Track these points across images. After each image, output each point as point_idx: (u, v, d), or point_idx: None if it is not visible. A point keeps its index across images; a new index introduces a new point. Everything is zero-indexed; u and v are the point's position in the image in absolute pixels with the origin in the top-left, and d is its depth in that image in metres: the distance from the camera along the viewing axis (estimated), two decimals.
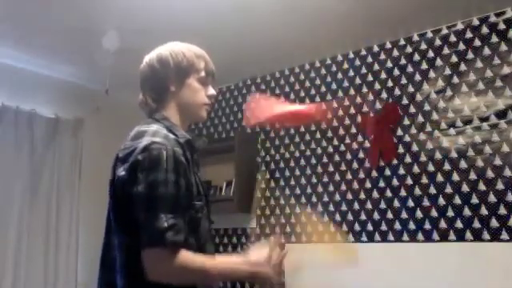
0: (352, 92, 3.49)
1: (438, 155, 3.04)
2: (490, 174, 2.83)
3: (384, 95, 3.33)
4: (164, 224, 1.22)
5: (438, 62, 3.14)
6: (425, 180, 3.06)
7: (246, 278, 1.42)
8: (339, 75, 3.59)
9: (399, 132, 3.22)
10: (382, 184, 3.23)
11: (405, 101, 3.24)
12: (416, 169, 3.11)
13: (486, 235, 2.78)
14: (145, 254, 1.23)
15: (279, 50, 3.53)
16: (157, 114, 1.46)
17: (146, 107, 1.50)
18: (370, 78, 3.43)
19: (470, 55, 3.02)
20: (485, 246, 2.77)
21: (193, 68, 1.48)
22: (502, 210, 2.76)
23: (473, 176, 2.89)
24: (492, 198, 2.80)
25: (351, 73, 3.53)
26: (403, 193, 3.13)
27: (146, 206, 1.25)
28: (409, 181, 3.12)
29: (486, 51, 2.96)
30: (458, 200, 2.92)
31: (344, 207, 3.37)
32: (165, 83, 1.46)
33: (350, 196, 3.36)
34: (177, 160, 1.30)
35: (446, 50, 3.12)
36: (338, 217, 3.39)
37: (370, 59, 3.46)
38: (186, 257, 1.25)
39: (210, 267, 1.30)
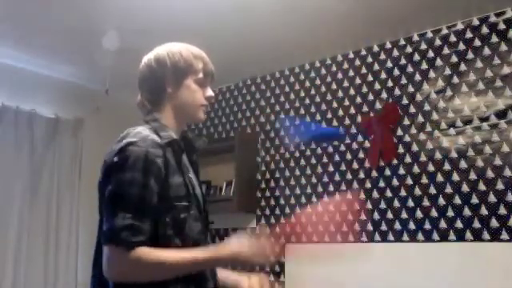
0: (352, 92, 3.49)
1: (438, 155, 3.04)
2: (489, 173, 2.83)
3: (384, 95, 3.33)
4: (121, 223, 1.23)
5: (438, 61, 3.14)
6: (425, 180, 3.06)
7: (223, 262, 1.36)
8: (339, 75, 3.59)
9: (399, 132, 3.21)
10: (382, 184, 3.23)
11: (405, 101, 3.23)
12: (416, 169, 3.11)
13: (486, 235, 2.78)
14: (105, 255, 1.25)
15: (279, 50, 3.53)
16: (148, 116, 1.46)
17: (143, 108, 1.50)
18: (370, 78, 3.43)
19: (470, 55, 3.02)
20: (485, 246, 2.77)
21: (190, 69, 1.47)
22: (502, 210, 2.76)
23: (473, 176, 2.89)
24: (492, 198, 2.80)
25: (351, 73, 3.53)
26: (403, 193, 3.13)
27: (109, 203, 1.27)
28: (409, 181, 3.12)
29: (486, 51, 2.96)
30: (457, 200, 2.92)
31: (344, 207, 3.37)
32: (162, 84, 1.46)
33: (349, 196, 3.36)
34: (148, 160, 1.29)
35: (446, 50, 3.12)
36: (338, 217, 3.38)
37: (369, 59, 3.46)
38: (141, 253, 1.23)
39: (169, 259, 1.26)
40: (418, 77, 3.21)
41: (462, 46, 3.06)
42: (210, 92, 1.52)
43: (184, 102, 1.47)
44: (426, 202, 3.03)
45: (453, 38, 3.10)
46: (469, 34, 3.05)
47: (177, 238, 1.32)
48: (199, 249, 1.33)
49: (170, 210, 1.32)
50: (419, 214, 3.04)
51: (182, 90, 1.46)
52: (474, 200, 2.85)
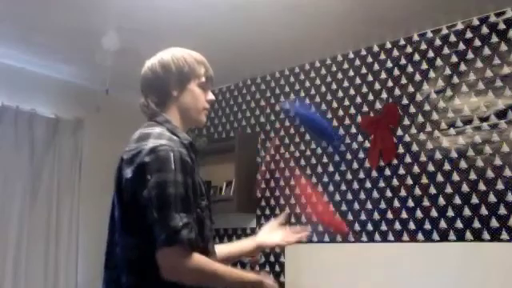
0: (352, 92, 3.49)
1: (438, 155, 3.04)
2: (489, 174, 2.83)
3: (384, 95, 3.33)
4: (179, 223, 1.26)
5: (438, 61, 3.14)
6: (425, 180, 3.06)
7: (249, 285, 1.47)
8: (339, 75, 3.59)
9: (399, 132, 3.21)
10: (381, 184, 3.23)
11: (405, 101, 3.23)
12: (416, 169, 3.11)
13: (486, 235, 2.78)
14: (161, 253, 1.26)
15: (279, 50, 3.53)
16: (159, 117, 1.48)
17: (148, 111, 1.51)
18: (370, 78, 3.43)
19: (470, 55, 3.02)
20: (485, 246, 2.77)
21: (194, 73, 1.51)
22: (502, 210, 2.76)
23: (473, 176, 2.89)
24: (492, 198, 2.80)
25: (351, 73, 3.53)
26: (403, 193, 3.13)
27: (158, 206, 1.28)
28: (409, 181, 3.12)
29: (486, 51, 2.96)
30: (457, 200, 2.92)
31: (344, 207, 3.37)
32: (167, 88, 1.49)
33: (350, 196, 3.36)
34: (183, 161, 1.34)
35: (446, 50, 3.12)
36: (338, 217, 3.39)
37: (369, 59, 3.46)
38: (201, 258, 1.31)
39: (223, 272, 1.36)
40: (418, 77, 3.21)
41: (462, 46, 3.06)
42: (211, 95, 1.57)
43: (188, 106, 1.51)
44: (426, 202, 3.03)
45: (453, 38, 3.10)
46: (469, 34, 3.05)
47: (199, 235, 1.36)
48: (244, 271, 1.48)
49: (196, 208, 1.37)
50: (419, 213, 3.04)
51: (186, 94, 1.51)
52: (474, 200, 2.85)
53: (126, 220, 1.36)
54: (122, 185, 1.36)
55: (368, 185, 3.29)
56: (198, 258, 1.29)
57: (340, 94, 3.56)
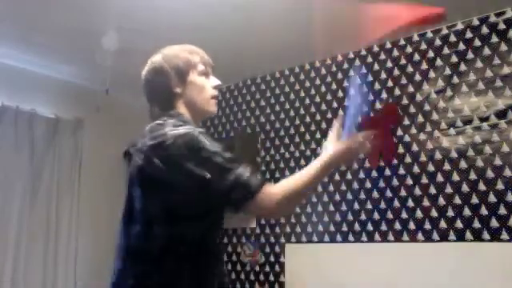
0: (352, 92, 3.49)
1: (438, 155, 3.04)
2: (489, 174, 2.83)
3: (384, 95, 3.33)
4: (246, 173, 1.30)
5: (438, 62, 3.14)
6: (425, 180, 3.06)
7: (337, 166, 1.49)
8: (339, 75, 3.59)
9: (399, 132, 3.21)
10: (381, 184, 3.23)
11: (405, 101, 3.23)
12: (416, 169, 3.11)
13: (486, 235, 2.78)
14: (251, 209, 1.31)
15: (279, 50, 3.53)
16: (171, 112, 1.47)
17: (154, 117, 1.50)
18: (370, 78, 3.43)
19: (470, 55, 3.02)
20: (485, 246, 2.77)
21: (190, 64, 1.51)
22: (502, 210, 2.76)
23: (473, 176, 2.89)
24: (492, 198, 2.80)
25: (351, 73, 3.53)
26: (403, 193, 3.13)
27: (217, 176, 1.29)
28: (409, 181, 3.12)
29: (486, 51, 2.96)
30: (457, 200, 2.92)
31: (344, 207, 3.37)
32: (169, 89, 1.49)
33: (349, 196, 3.36)
34: (207, 137, 1.36)
35: (446, 50, 3.12)
36: (338, 217, 3.39)
37: (369, 59, 3.46)
38: (276, 187, 1.34)
39: (306, 179, 1.37)
40: (417, 77, 3.21)
41: (462, 46, 3.06)
42: (215, 81, 1.57)
43: (194, 98, 1.51)
44: (426, 202, 3.03)
45: (453, 38, 3.10)
46: (469, 34, 3.05)
47: (211, 235, 1.42)
48: (318, 159, 1.43)
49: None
50: (419, 213, 3.04)
51: (189, 87, 1.51)
52: (474, 200, 2.85)
53: (148, 208, 1.35)
54: (144, 175, 1.35)
55: (368, 185, 3.29)
56: (275, 190, 1.32)
57: (340, 94, 3.56)
